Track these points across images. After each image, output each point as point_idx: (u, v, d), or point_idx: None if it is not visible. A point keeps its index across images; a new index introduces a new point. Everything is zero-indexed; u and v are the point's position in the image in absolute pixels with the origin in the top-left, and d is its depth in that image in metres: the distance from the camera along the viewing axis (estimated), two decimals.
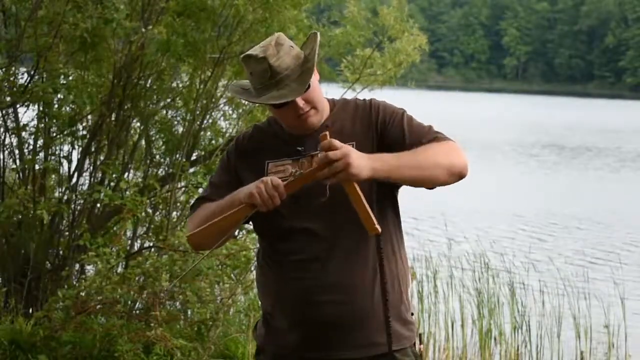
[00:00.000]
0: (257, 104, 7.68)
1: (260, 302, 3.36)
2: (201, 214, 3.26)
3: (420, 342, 3.38)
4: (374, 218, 2.98)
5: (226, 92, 8.05)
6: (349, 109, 3.26)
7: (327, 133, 2.99)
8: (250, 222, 3.26)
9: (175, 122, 8.03)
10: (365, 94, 8.54)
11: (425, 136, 3.17)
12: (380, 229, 3.00)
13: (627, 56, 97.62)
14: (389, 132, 3.19)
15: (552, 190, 22.76)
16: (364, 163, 2.98)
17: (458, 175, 3.16)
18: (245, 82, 3.26)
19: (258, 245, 3.36)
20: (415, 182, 3.12)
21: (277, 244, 3.21)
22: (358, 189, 2.98)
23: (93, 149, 7.51)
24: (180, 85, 8.09)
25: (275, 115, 3.23)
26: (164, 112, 8.00)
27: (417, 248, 9.57)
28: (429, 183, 3.14)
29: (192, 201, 8.01)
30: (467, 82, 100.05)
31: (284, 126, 3.24)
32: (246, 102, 8.09)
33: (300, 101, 3.13)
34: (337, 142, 2.96)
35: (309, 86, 3.13)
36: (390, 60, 8.13)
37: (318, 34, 3.23)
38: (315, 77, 3.17)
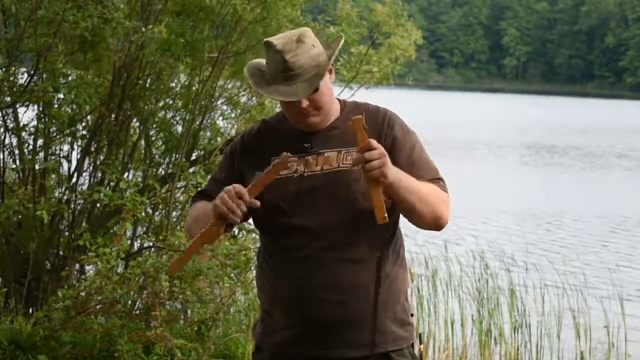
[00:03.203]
0: (255, 102, 7.75)
1: (259, 300, 3.37)
2: (192, 213, 3.30)
3: (420, 342, 3.39)
4: (384, 209, 3.01)
5: (224, 92, 8.07)
6: (360, 112, 3.23)
7: (361, 117, 2.99)
8: (251, 219, 3.26)
9: (174, 122, 8.03)
10: (362, 93, 8.55)
11: (429, 177, 3.20)
12: (387, 219, 3.02)
13: (627, 56, 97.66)
14: (397, 151, 3.18)
15: (550, 190, 22.76)
16: (393, 169, 3.02)
17: (437, 227, 3.20)
18: (262, 64, 3.24)
19: (259, 244, 3.36)
20: (408, 211, 3.14)
21: (276, 241, 3.22)
22: (380, 188, 3.01)
23: (93, 149, 7.51)
24: (179, 86, 8.09)
25: (280, 103, 3.23)
26: (163, 112, 7.99)
27: (416, 248, 9.56)
28: (417, 218, 3.17)
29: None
30: (467, 82, 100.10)
31: (290, 121, 3.25)
32: (243, 101, 8.13)
33: (304, 102, 3.13)
34: (374, 142, 2.98)
35: (317, 89, 3.13)
36: (385, 56, 8.13)
37: (342, 36, 3.26)
38: (328, 78, 3.18)
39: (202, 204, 3.25)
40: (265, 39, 3.18)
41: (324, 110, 3.19)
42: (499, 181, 23.88)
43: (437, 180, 3.21)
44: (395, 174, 3.03)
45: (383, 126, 3.22)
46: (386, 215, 3.01)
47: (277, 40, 3.12)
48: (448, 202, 3.20)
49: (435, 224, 3.18)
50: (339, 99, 3.30)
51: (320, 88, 3.13)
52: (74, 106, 7.25)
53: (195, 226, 3.22)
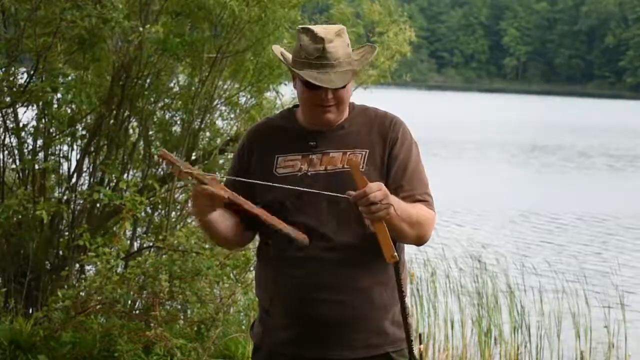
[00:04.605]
0: (253, 102, 7.77)
1: (258, 299, 3.37)
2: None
3: (420, 342, 3.39)
4: (392, 247, 3.02)
5: (224, 92, 8.06)
6: (368, 116, 3.28)
7: (358, 160, 3.05)
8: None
9: (173, 122, 8.02)
10: (360, 94, 8.56)
11: (419, 191, 3.21)
12: (398, 258, 3.04)
13: (627, 56, 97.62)
14: (393, 157, 3.21)
15: (546, 190, 22.77)
16: (393, 204, 3.02)
17: (418, 245, 3.24)
18: (286, 52, 3.28)
19: (259, 243, 3.36)
20: (396, 233, 3.13)
21: (277, 239, 3.21)
22: (384, 222, 3.01)
23: (92, 149, 7.51)
24: (178, 86, 8.09)
25: (300, 94, 3.23)
26: (162, 112, 7.99)
27: (415, 249, 9.57)
28: (401, 238, 3.19)
29: (191, 201, 8.07)
30: (467, 82, 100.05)
31: (299, 118, 3.27)
32: (243, 102, 8.14)
33: (330, 93, 3.16)
34: (375, 184, 2.98)
35: (344, 86, 3.17)
36: (381, 54, 8.14)
37: (376, 47, 3.32)
38: (351, 82, 3.22)
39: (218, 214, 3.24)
40: (302, 26, 3.23)
41: (342, 108, 3.22)
42: (496, 181, 23.87)
43: (425, 195, 3.22)
44: (395, 211, 3.03)
45: (389, 130, 3.24)
46: (395, 254, 3.02)
47: (318, 28, 3.18)
48: (433, 221, 3.22)
49: (416, 242, 3.22)
50: None
51: (346, 86, 3.18)
52: (74, 106, 7.25)
53: (212, 239, 3.30)
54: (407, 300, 3.34)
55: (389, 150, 3.21)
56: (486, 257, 9.36)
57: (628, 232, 17.03)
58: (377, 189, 2.98)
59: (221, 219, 3.18)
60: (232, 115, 8.32)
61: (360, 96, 8.50)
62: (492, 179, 24.12)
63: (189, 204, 3.27)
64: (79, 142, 7.57)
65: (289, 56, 3.24)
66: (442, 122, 40.01)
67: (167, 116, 8.00)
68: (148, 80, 7.57)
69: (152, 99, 7.76)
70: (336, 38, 3.15)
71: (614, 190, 23.48)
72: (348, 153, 3.19)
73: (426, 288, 8.65)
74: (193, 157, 7.84)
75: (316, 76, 3.13)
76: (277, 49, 3.30)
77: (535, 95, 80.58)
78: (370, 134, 3.23)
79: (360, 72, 3.27)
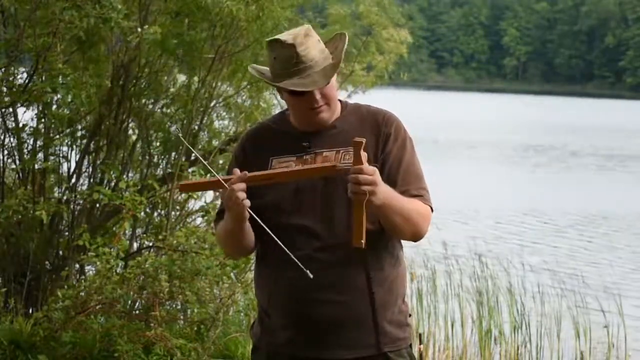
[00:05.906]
0: (251, 102, 7.75)
1: (257, 299, 3.37)
2: (219, 238, 3.37)
3: (420, 342, 3.39)
4: (364, 234, 2.98)
5: (223, 93, 8.06)
6: (360, 113, 3.27)
7: (364, 141, 2.98)
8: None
9: (172, 123, 8.02)
10: (359, 96, 8.57)
11: (414, 186, 3.19)
12: (364, 244, 2.99)
13: (627, 56, 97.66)
14: (387, 153, 3.20)
15: (548, 190, 22.77)
16: (383, 193, 3.00)
17: (414, 240, 3.22)
18: (263, 68, 3.27)
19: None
20: (391, 228, 3.13)
21: (275, 240, 3.21)
22: (365, 213, 2.99)
23: (92, 149, 7.52)
24: (176, 87, 8.09)
25: (288, 103, 3.23)
26: (160, 112, 7.99)
27: (416, 249, 9.58)
28: (397, 233, 3.18)
29: (191, 201, 8.08)
30: (467, 82, 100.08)
31: (291, 121, 3.25)
32: (240, 102, 8.13)
33: (317, 94, 3.15)
34: (369, 168, 2.97)
35: (328, 82, 3.15)
36: (377, 56, 8.15)
37: (346, 34, 3.27)
38: (334, 76, 3.20)
39: (222, 225, 3.25)
40: (269, 39, 3.20)
41: (332, 105, 3.21)
42: (495, 181, 23.87)
43: (420, 190, 3.20)
44: (383, 196, 3.01)
45: (381, 125, 3.23)
46: (363, 241, 2.98)
47: (285, 36, 3.15)
48: (429, 217, 3.21)
49: (412, 238, 3.21)
50: (340, 100, 3.31)
51: (330, 82, 3.16)
52: (74, 106, 7.25)
53: (228, 249, 3.34)
54: (407, 300, 3.34)
55: (382, 146, 3.20)
56: (486, 256, 9.35)
57: (628, 231, 17.03)
58: (370, 172, 2.96)
59: (249, 229, 3.20)
60: (232, 115, 8.32)
61: (359, 97, 8.53)
62: (491, 178, 24.12)
63: (226, 217, 3.21)
64: (79, 142, 7.57)
65: (267, 69, 3.22)
66: (442, 122, 40.04)
67: (165, 118, 8.00)
68: (147, 81, 7.57)
69: (151, 100, 7.76)
70: (305, 39, 3.13)
71: (614, 189, 23.49)
72: (341, 151, 3.18)
73: (426, 287, 8.65)
74: (192, 157, 7.84)
75: (298, 82, 3.11)
76: (253, 69, 3.29)
77: (535, 95, 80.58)
78: (362, 130, 3.20)
79: (340, 64, 3.21)
